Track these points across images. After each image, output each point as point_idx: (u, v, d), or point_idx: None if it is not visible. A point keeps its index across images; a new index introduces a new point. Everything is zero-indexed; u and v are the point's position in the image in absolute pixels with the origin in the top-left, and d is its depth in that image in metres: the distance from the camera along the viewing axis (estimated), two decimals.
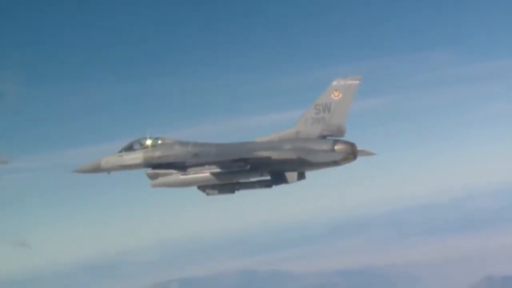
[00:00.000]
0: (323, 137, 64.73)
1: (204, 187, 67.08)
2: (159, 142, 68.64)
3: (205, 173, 65.73)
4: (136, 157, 68.49)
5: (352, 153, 64.17)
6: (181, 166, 67.31)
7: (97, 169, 70.08)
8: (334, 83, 64.52)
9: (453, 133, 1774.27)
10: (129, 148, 69.37)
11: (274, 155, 64.64)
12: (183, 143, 68.34)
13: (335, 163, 64.57)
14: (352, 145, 64.31)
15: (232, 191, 67.90)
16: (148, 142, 68.63)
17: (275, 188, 67.19)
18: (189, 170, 66.83)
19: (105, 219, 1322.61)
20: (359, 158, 65.58)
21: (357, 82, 64.45)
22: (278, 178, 65.85)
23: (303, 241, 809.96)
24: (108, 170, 69.80)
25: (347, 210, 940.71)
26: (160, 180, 67.35)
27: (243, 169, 65.12)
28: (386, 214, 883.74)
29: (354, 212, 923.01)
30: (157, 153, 68.06)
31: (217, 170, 65.34)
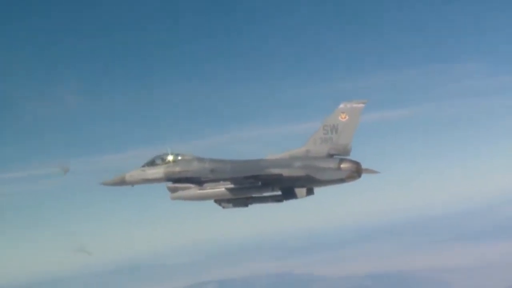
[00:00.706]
0: (331, 155, 68.45)
1: (219, 201, 70.82)
2: (179, 158, 72.63)
3: (220, 188, 69.24)
4: (157, 171, 72.20)
5: (356, 172, 68.00)
6: (198, 181, 70.87)
7: (122, 183, 73.83)
8: (341, 106, 68.05)
9: (482, 141, 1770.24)
10: (151, 163, 73.06)
11: (285, 172, 67.95)
12: (200, 159, 72.21)
13: (341, 180, 68.22)
14: (357, 164, 68.36)
15: (246, 205, 71.46)
16: (169, 158, 72.45)
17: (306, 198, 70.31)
18: (205, 185, 70.31)
19: (145, 222, 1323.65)
20: (367, 176, 70.39)
21: (362, 105, 67.66)
22: (288, 193, 69.39)
23: (335, 246, 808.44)
24: (132, 183, 73.51)
25: (376, 217, 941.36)
26: (180, 193, 71.20)
27: (255, 185, 68.67)
28: (417, 221, 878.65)
29: (384, 218, 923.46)
30: (177, 169, 71.87)
31: (232, 186, 68.55)
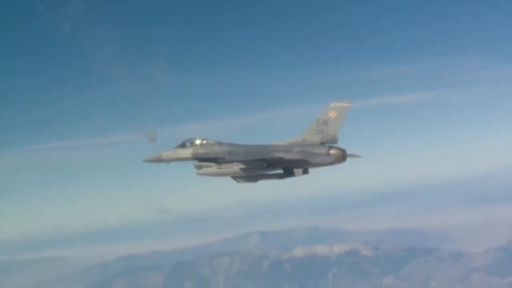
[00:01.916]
0: (322, 143, 67.79)
1: (234, 177, 70.81)
2: (204, 142, 72.07)
3: (235, 168, 69.56)
4: (187, 152, 72.22)
5: (342, 156, 67.67)
6: (218, 161, 71.01)
7: (159, 160, 73.81)
8: (331, 104, 68.01)
9: (484, 124, 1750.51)
10: (182, 145, 72.87)
11: (286, 156, 68.50)
12: (220, 144, 72.00)
13: (330, 163, 68.24)
14: (343, 150, 67.93)
15: (255, 181, 71.38)
16: (197, 142, 72.20)
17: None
18: (223, 164, 70.43)
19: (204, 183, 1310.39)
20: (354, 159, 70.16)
21: (348, 104, 67.67)
22: (288, 172, 69.84)
23: (358, 206, 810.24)
24: (167, 161, 73.56)
25: (395, 183, 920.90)
26: (203, 170, 71.68)
27: (262, 166, 69.09)
28: (429, 187, 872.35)
29: (403, 183, 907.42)
30: (202, 151, 71.63)
31: (244, 166, 69.26)
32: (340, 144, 68.15)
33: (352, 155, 69.60)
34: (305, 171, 70.35)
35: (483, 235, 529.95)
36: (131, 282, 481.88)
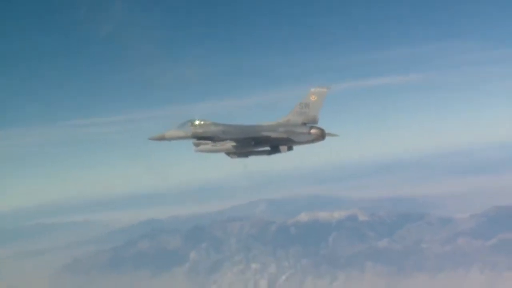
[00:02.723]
0: (304, 124, 68.24)
1: (228, 153, 71.32)
2: (202, 122, 71.83)
3: (228, 145, 70.02)
4: (186, 131, 71.77)
5: (321, 135, 68.15)
6: (213, 139, 70.92)
7: (163, 138, 73.36)
8: (312, 90, 68.54)
9: (467, 103, 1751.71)
10: (183, 125, 72.53)
11: (273, 134, 69.06)
12: (216, 124, 71.96)
13: (310, 141, 68.77)
14: (322, 130, 68.46)
15: (246, 156, 71.73)
16: (196, 122, 71.77)
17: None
18: (218, 142, 70.59)
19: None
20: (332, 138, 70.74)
21: (327, 90, 68.30)
22: (275, 149, 70.40)
23: (355, 176, 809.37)
24: (169, 139, 73.07)
25: (389, 156, 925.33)
26: (201, 147, 71.84)
27: (252, 143, 69.65)
28: (420, 160, 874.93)
29: (396, 157, 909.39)
30: (200, 130, 71.41)
31: (236, 143, 69.75)
32: (321, 124, 68.74)
33: (330, 134, 70.27)
34: (290, 148, 70.63)
35: (468, 203, 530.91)
36: (154, 243, 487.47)
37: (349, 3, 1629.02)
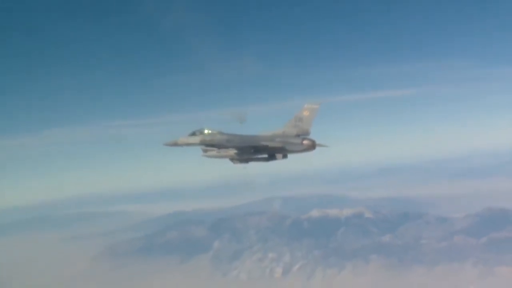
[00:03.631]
0: (298, 135, 69.42)
1: (231, 159, 72.16)
2: (210, 132, 72.32)
3: (231, 152, 71.26)
4: (196, 139, 72.67)
5: (312, 146, 69.40)
6: (219, 146, 71.85)
7: (175, 144, 73.72)
8: (305, 105, 69.49)
9: (468, 112, 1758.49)
10: (193, 134, 72.93)
11: (270, 144, 70.05)
12: (221, 133, 72.20)
13: (303, 150, 69.92)
14: (313, 141, 69.67)
15: (247, 162, 72.13)
16: (204, 131, 72.34)
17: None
18: (223, 149, 71.70)
19: None
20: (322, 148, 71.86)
21: (318, 106, 68.99)
22: (272, 157, 71.40)
23: (362, 178, 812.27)
24: (181, 145, 73.46)
25: (392, 160, 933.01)
26: (208, 153, 73.06)
27: (251, 151, 70.60)
28: (419, 164, 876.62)
29: (398, 161, 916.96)
30: (207, 138, 72.07)
31: (238, 151, 70.98)
32: (314, 135, 70.46)
33: (320, 145, 70.67)
34: (284, 156, 71.42)
35: (463, 204, 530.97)
36: (181, 233, 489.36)
37: (350, 22, 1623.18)
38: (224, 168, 72.96)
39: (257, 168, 72.33)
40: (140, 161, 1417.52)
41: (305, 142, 69.33)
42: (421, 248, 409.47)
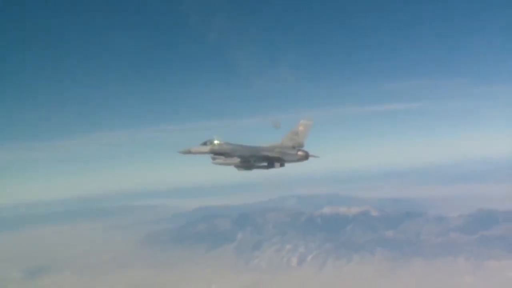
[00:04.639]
0: (293, 147, 69.55)
1: (236, 166, 71.72)
2: (218, 142, 72.09)
3: (236, 160, 71.04)
4: (206, 148, 72.21)
5: (305, 156, 69.40)
6: (226, 155, 71.50)
7: (189, 152, 73.15)
8: (301, 121, 69.57)
9: (463, 125, 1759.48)
10: (204, 143, 72.21)
11: (269, 154, 70.13)
12: (228, 144, 72.05)
13: (297, 160, 69.82)
14: (306, 152, 69.80)
15: (250, 169, 71.90)
16: (214, 141, 72.12)
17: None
18: (229, 158, 71.35)
19: None
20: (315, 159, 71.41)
21: (311, 123, 69.12)
22: (271, 165, 71.08)
23: (367, 180, 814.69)
24: (194, 153, 72.82)
25: (395, 165, 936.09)
26: (216, 160, 72.27)
27: (253, 160, 70.69)
28: (419, 169, 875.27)
29: (400, 166, 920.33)
30: (216, 148, 71.75)
31: (241, 160, 70.91)
32: (309, 148, 70.32)
33: (313, 156, 70.30)
34: (282, 165, 71.05)
35: (457, 205, 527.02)
36: (209, 225, 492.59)
37: (354, 38, 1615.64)
38: (246, 171, 73.37)
39: (272, 171, 73.07)
40: (175, 162, 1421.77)
41: (299, 153, 69.77)
42: (420, 242, 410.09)
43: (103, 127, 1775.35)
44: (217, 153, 71.94)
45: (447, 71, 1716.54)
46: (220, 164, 72.05)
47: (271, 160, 70.53)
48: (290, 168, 71.66)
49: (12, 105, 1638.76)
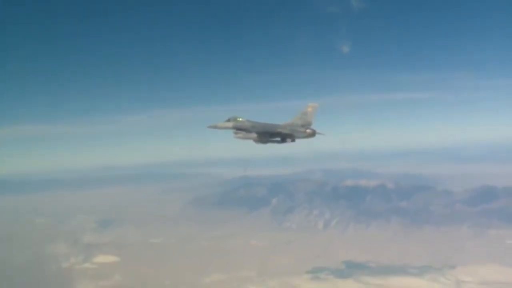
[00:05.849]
0: (303, 126, 68.71)
1: (254, 140, 70.76)
2: (240, 119, 71.25)
3: (254, 135, 70.24)
4: (230, 124, 71.44)
5: (313, 134, 68.60)
6: (245, 130, 70.65)
7: (216, 127, 72.18)
8: (309, 104, 68.70)
9: (469, 113, 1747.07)
10: (228, 120, 71.58)
11: (283, 131, 69.44)
12: (248, 121, 71.48)
13: (306, 137, 69.18)
14: (314, 130, 68.76)
15: (265, 143, 70.83)
16: (237, 118, 71.09)
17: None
18: (248, 133, 70.41)
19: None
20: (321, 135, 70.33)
21: (318, 105, 67.93)
22: (283, 140, 70.19)
23: (385, 158, 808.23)
24: (220, 128, 71.88)
25: (409, 146, 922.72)
26: (237, 135, 71.15)
27: (268, 135, 69.95)
28: (429, 150, 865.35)
29: (412, 146, 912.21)
30: (238, 124, 70.99)
31: (259, 135, 70.21)
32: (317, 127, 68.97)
33: (319, 133, 69.39)
34: (293, 140, 70.33)
35: (463, 181, 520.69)
36: (248, 192, 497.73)
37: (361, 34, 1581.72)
38: (281, 147, 72.34)
39: (302, 146, 72.35)
40: (222, 138, 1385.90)
41: (307, 131, 69.47)
42: (429, 212, 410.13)
43: (164, 106, 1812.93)
44: (238, 129, 71.71)
45: (459, 65, 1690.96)
46: (241, 138, 71.68)
47: (284, 136, 70.40)
48: (318, 144, 73.23)
49: (102, 82, 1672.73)
